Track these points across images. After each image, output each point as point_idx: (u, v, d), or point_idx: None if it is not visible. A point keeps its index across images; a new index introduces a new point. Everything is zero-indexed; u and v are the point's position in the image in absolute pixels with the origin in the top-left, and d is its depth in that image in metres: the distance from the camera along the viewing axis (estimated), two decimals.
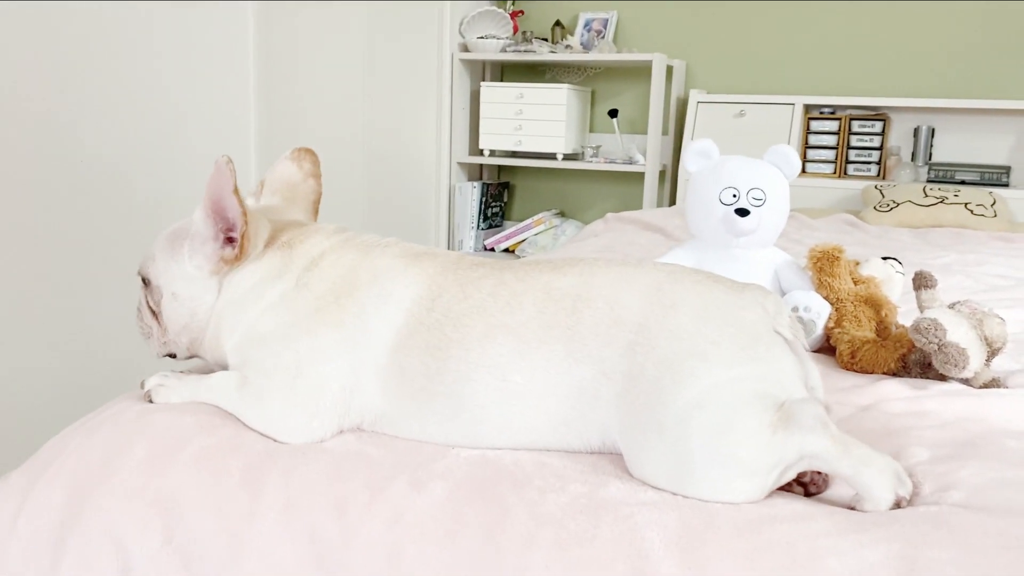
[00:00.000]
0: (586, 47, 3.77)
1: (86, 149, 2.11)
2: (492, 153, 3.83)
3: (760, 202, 1.37)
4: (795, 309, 1.32)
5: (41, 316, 2.06)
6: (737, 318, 0.89)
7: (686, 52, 3.76)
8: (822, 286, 1.34)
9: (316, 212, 1.19)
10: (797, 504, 0.82)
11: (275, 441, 0.97)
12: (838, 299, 1.33)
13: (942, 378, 1.21)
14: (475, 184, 3.85)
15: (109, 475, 0.95)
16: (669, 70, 3.65)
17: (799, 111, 3.49)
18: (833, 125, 3.51)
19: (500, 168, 4.14)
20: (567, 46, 3.75)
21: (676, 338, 0.88)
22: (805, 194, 3.42)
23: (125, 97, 2.21)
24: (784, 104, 3.52)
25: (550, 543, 0.79)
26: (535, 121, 3.67)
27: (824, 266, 1.33)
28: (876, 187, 3.19)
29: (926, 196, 3.01)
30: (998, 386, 1.19)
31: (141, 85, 2.25)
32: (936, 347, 1.15)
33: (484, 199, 3.90)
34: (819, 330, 1.32)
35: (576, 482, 0.86)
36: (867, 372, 1.24)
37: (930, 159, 3.43)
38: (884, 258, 1.44)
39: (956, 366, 1.13)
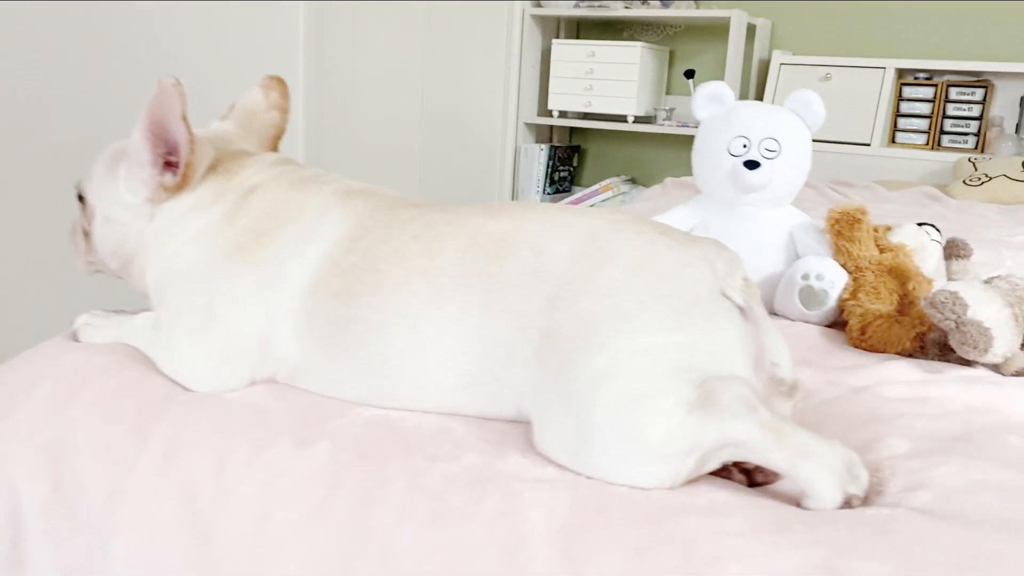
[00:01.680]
0: (665, 4, 3.57)
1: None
2: (562, 114, 3.69)
3: (773, 154, 1.21)
4: (806, 276, 1.17)
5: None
6: (675, 276, 0.77)
7: (771, 10, 3.53)
8: (840, 252, 1.18)
9: (275, 147, 1.10)
10: (719, 494, 0.70)
11: (183, 387, 0.89)
12: (857, 267, 1.17)
13: (967, 362, 1.04)
14: (542, 146, 3.72)
15: (7, 415, 0.89)
16: (751, 29, 3.42)
17: (891, 76, 3.23)
18: (928, 92, 3.23)
19: (572, 131, 4.00)
20: (645, 2, 3.57)
21: (601, 294, 0.76)
22: (893, 165, 3.17)
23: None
24: (875, 68, 3.25)
25: (425, 518, 0.69)
26: (606, 81, 3.51)
27: (842, 229, 1.17)
28: (969, 160, 2.92)
29: None
30: None
31: (184, 34, 2.22)
32: (953, 325, 0.98)
33: (551, 162, 3.77)
34: (832, 301, 1.16)
35: (472, 452, 0.75)
36: (878, 351, 1.09)
37: None
38: (920, 224, 1.26)
39: (975, 348, 0.97)
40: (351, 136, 2.85)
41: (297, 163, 1.02)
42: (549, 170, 3.77)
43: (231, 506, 0.76)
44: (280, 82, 1.10)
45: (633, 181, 3.85)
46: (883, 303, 1.12)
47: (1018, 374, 1.02)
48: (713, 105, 1.27)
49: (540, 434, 0.75)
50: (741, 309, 0.78)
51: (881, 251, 1.20)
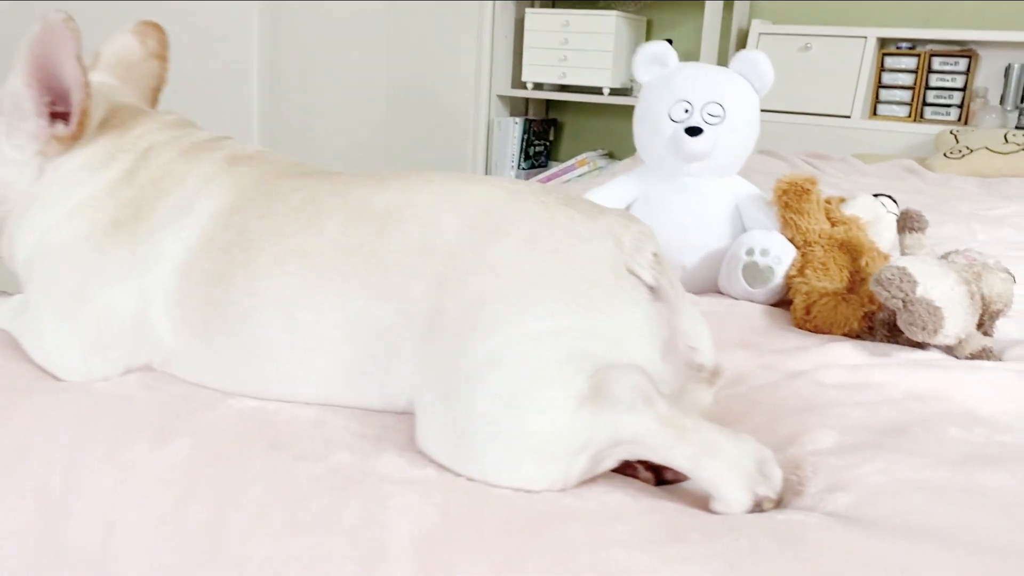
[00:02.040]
0: None
1: None
2: (537, 86, 3.59)
3: (717, 120, 1.12)
4: (750, 252, 1.09)
5: None
6: (574, 252, 0.68)
7: None
8: (787, 225, 1.10)
9: (156, 101, 1.01)
10: (614, 496, 0.62)
11: (52, 376, 0.81)
12: (805, 241, 1.09)
13: (919, 344, 0.96)
14: (516, 120, 3.62)
15: None
16: None
17: (872, 45, 3.13)
18: (911, 62, 3.13)
19: (549, 104, 3.90)
20: None
21: (490, 274, 0.68)
22: (874, 138, 3.08)
23: None
24: (856, 37, 3.15)
25: (281, 526, 0.62)
26: (581, 52, 3.40)
27: (790, 201, 1.08)
28: (951, 132, 2.83)
29: (1006, 143, 2.65)
30: (988, 357, 0.94)
31: None
32: (900, 303, 0.90)
33: (526, 136, 3.67)
34: (778, 278, 1.08)
35: (345, 450, 0.67)
36: (823, 332, 1.01)
37: (1023, 102, 3.02)
38: (876, 195, 1.18)
39: (924, 329, 0.89)
40: (312, 113, 2.75)
41: (196, 125, 0.93)
42: (524, 144, 3.67)
43: (80, 509, 0.68)
44: (156, 28, 1.00)
45: (611, 155, 3.75)
46: (832, 280, 1.04)
47: (973, 357, 0.95)
48: (655, 67, 1.18)
49: (421, 430, 0.67)
50: (651, 288, 0.70)
51: (833, 224, 1.12)
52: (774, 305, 1.11)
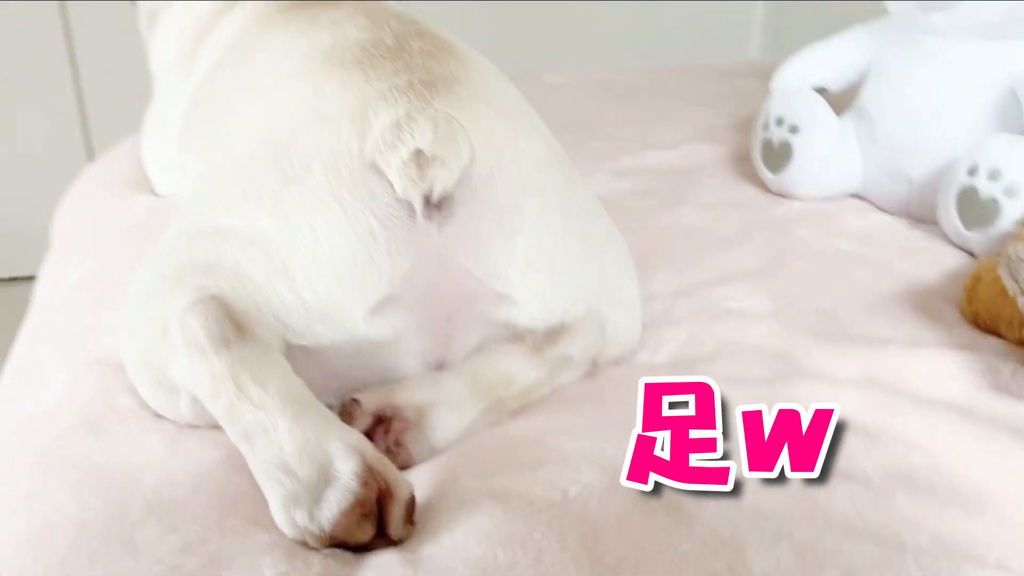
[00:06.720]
0: None
1: None
2: None
3: None
4: (973, 171, 0.65)
5: None
6: (294, 134, 0.53)
7: None
8: None
9: None
10: (203, 457, 0.49)
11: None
12: None
13: None
14: None
15: None
16: None
17: None
18: None
19: None
20: None
21: (222, 144, 0.59)
22: None
23: None
24: None
25: None
26: None
27: None
28: None
29: None
30: None
31: None
32: None
33: None
34: (1005, 221, 0.64)
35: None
36: (984, 327, 0.58)
37: None
38: None
39: None
40: None
41: None
42: None
43: None
44: None
45: None
46: None
47: None
48: None
49: None
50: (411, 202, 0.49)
51: None
52: None
